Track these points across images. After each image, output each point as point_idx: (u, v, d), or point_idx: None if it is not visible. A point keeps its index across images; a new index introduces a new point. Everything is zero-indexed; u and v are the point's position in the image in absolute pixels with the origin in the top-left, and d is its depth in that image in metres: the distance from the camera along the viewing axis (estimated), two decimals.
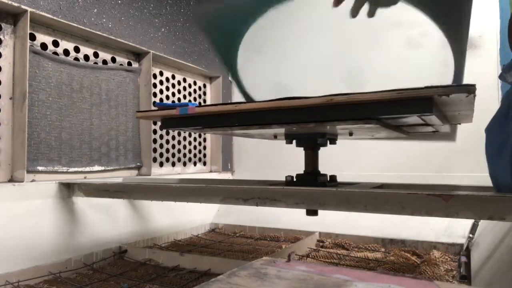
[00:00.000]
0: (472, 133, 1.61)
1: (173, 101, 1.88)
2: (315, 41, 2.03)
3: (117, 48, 1.62)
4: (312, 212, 1.02)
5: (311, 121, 0.87)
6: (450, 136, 1.11)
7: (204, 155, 2.15)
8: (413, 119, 0.89)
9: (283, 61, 2.18)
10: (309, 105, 0.84)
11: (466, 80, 0.86)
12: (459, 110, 0.92)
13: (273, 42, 2.25)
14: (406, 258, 1.29)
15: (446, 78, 0.95)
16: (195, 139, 2.08)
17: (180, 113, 0.98)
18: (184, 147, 2.00)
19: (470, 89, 0.69)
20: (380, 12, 1.03)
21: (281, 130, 1.00)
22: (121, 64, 1.63)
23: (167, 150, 1.88)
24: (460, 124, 1.19)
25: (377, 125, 0.85)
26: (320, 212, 1.01)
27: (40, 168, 1.29)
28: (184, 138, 2.00)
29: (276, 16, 2.26)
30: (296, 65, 2.09)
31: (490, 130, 0.88)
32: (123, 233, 1.42)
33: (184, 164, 1.99)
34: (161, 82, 1.85)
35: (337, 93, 0.81)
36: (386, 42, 1.92)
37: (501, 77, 0.93)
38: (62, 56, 1.39)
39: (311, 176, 1.07)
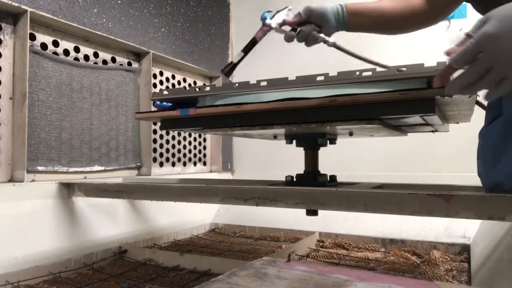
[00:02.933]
0: (472, 133, 1.61)
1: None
2: None
3: (117, 48, 1.62)
4: (312, 212, 1.02)
5: (314, 121, 0.87)
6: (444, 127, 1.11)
7: (204, 155, 2.15)
8: (415, 119, 0.89)
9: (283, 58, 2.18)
10: (312, 106, 0.84)
11: None
12: (460, 110, 0.92)
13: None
14: (406, 258, 1.29)
15: None
16: (195, 139, 2.08)
17: (181, 115, 0.97)
18: (184, 147, 2.00)
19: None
20: None
21: (281, 130, 1.00)
22: (121, 64, 1.63)
23: (167, 150, 1.88)
24: (458, 123, 1.19)
25: (379, 125, 0.85)
26: (320, 212, 1.01)
27: (40, 168, 1.29)
28: (184, 138, 2.00)
29: None
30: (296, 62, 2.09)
31: (487, 135, 0.88)
32: (123, 233, 1.42)
33: (184, 164, 1.99)
34: (161, 82, 1.85)
35: (341, 94, 0.81)
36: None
37: None
38: (62, 56, 1.39)
39: (311, 176, 1.07)
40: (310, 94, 0.85)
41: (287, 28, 0.96)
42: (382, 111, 0.80)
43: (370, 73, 0.78)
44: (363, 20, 1.00)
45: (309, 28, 0.93)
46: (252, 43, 0.96)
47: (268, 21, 0.94)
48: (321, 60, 2.03)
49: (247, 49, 0.97)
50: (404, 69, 0.74)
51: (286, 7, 0.97)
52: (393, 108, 0.79)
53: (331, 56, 2.02)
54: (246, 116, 0.92)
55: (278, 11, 0.96)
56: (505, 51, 0.55)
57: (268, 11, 0.96)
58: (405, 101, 0.77)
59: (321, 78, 0.82)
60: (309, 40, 0.94)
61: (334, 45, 0.94)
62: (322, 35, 0.94)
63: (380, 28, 1.04)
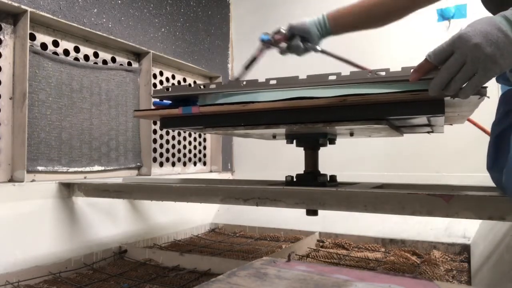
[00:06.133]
0: (472, 134, 1.62)
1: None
2: None
3: (117, 48, 1.62)
4: (312, 212, 1.02)
5: (322, 121, 0.86)
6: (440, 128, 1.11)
7: (204, 155, 2.15)
8: (420, 120, 0.89)
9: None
10: (321, 106, 0.83)
11: None
12: (461, 111, 0.91)
13: None
14: (406, 258, 1.29)
15: None
16: (195, 139, 2.08)
17: (183, 113, 0.96)
18: (184, 147, 2.00)
19: (482, 91, 0.69)
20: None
21: (281, 130, 1.00)
22: (121, 64, 1.63)
23: (167, 150, 1.88)
24: (451, 125, 1.19)
25: (386, 126, 0.84)
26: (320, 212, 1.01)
27: (40, 168, 1.29)
28: (184, 138, 2.00)
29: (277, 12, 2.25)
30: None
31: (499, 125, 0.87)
32: (123, 233, 1.42)
33: (184, 164, 1.99)
34: (161, 82, 1.85)
35: (351, 93, 0.80)
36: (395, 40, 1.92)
37: (498, 80, 0.93)
38: (62, 56, 1.39)
39: (311, 176, 1.07)
40: (316, 93, 0.83)
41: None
42: (392, 111, 0.80)
43: (383, 73, 0.77)
44: (345, 21, 1.11)
45: (295, 41, 1.11)
46: (252, 60, 1.16)
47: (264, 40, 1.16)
48: (320, 61, 2.03)
49: (248, 66, 1.17)
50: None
51: (279, 28, 1.14)
52: (403, 108, 0.78)
53: (330, 58, 2.02)
54: (251, 115, 0.91)
55: (274, 32, 1.15)
56: (474, 47, 0.61)
57: (266, 33, 1.16)
58: (415, 102, 0.76)
59: (333, 77, 0.81)
60: (299, 51, 1.13)
61: (322, 51, 1.14)
62: (309, 44, 1.11)
63: (363, 25, 1.11)
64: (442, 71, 0.65)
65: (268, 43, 1.14)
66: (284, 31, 1.13)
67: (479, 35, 0.61)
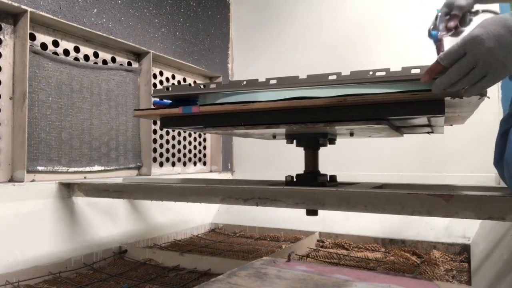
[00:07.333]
0: (472, 134, 1.62)
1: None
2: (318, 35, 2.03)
3: (117, 48, 1.62)
4: (312, 212, 1.02)
5: (322, 121, 0.86)
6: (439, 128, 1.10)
7: (204, 155, 2.15)
8: (421, 120, 0.89)
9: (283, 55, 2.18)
10: (321, 105, 0.83)
11: None
12: (462, 111, 0.91)
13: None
14: (406, 258, 1.29)
15: None
16: (195, 139, 2.08)
17: (184, 112, 0.96)
18: (184, 147, 2.00)
19: (483, 92, 0.69)
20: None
21: (281, 130, 1.00)
22: (121, 64, 1.63)
23: (167, 150, 1.88)
24: (452, 125, 1.19)
25: (386, 126, 0.84)
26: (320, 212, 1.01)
27: (40, 168, 1.29)
28: (184, 138, 2.00)
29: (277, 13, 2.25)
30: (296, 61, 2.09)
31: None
32: (123, 233, 1.42)
33: (184, 164, 1.99)
34: (161, 82, 1.85)
35: (351, 93, 0.80)
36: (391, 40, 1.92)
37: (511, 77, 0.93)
38: (62, 56, 1.39)
39: (311, 176, 1.07)
40: (316, 93, 0.84)
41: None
42: (392, 112, 0.80)
43: (383, 73, 0.77)
44: None
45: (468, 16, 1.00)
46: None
47: (440, 35, 1.01)
48: (320, 60, 2.04)
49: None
50: (418, 70, 0.73)
51: (437, 13, 1.02)
52: (403, 108, 0.78)
53: (331, 56, 2.03)
54: (251, 115, 0.91)
55: (435, 21, 1.02)
56: (487, 52, 0.60)
57: (432, 29, 1.02)
58: (415, 102, 0.76)
59: (334, 77, 0.81)
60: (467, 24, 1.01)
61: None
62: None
63: None
64: (452, 72, 0.64)
65: (444, 34, 0.99)
66: (457, 13, 0.98)
67: (492, 39, 0.59)
